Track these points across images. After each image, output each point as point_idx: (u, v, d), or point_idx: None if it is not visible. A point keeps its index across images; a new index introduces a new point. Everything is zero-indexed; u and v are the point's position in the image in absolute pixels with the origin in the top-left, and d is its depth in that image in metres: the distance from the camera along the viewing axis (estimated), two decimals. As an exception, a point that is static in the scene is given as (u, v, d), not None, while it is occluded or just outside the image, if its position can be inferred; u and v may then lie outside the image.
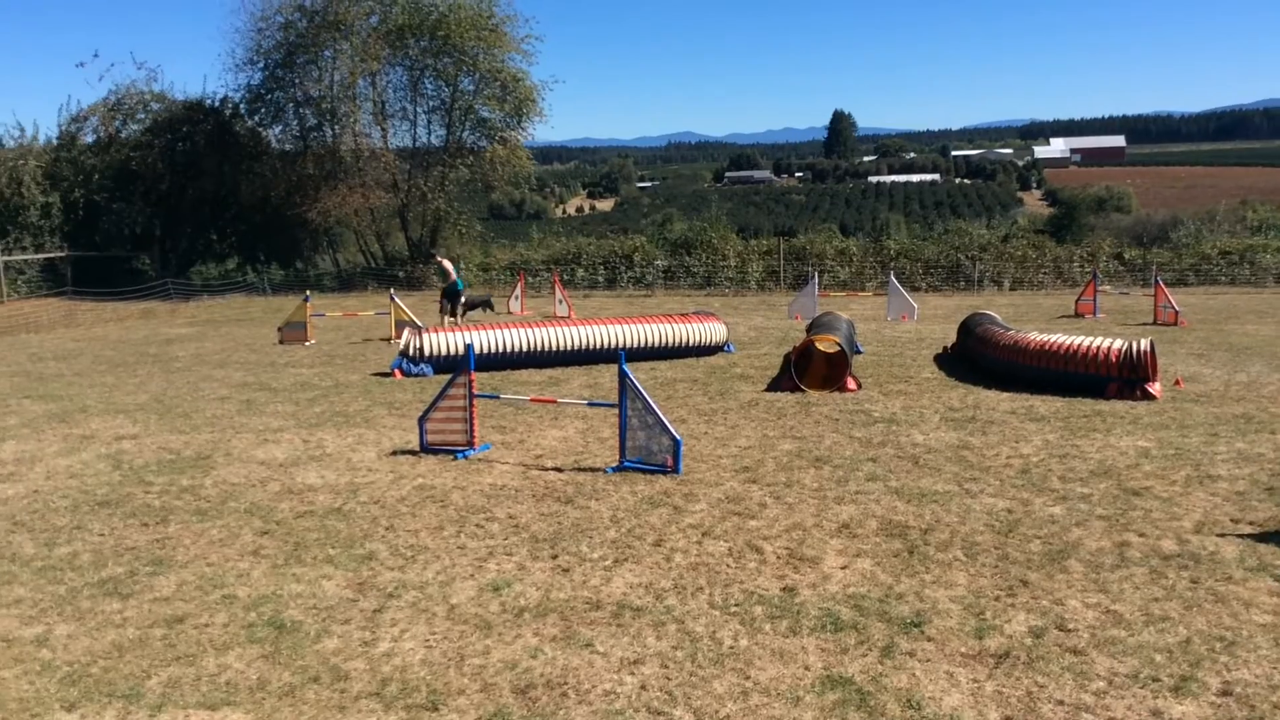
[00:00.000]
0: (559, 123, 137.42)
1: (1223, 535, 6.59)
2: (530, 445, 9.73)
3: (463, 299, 20.83)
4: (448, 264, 20.75)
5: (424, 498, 7.91)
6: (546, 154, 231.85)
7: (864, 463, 8.79)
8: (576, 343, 14.79)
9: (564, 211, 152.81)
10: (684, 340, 15.52)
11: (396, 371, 14.21)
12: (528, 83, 35.63)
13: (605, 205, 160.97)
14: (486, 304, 24.14)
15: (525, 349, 14.53)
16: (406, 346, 14.36)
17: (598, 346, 14.81)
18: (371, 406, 11.98)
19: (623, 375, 8.50)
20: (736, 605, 5.63)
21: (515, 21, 35.62)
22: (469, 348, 9.71)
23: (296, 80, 35.58)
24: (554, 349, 14.68)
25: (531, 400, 10.83)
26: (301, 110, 36.27)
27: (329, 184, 34.85)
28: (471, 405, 9.22)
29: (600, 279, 33.44)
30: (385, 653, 5.14)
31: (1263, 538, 6.53)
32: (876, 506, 7.46)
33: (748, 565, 6.28)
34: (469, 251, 36.53)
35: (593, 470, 8.66)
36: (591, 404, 10.59)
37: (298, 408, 12.02)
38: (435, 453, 9.32)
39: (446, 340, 14.30)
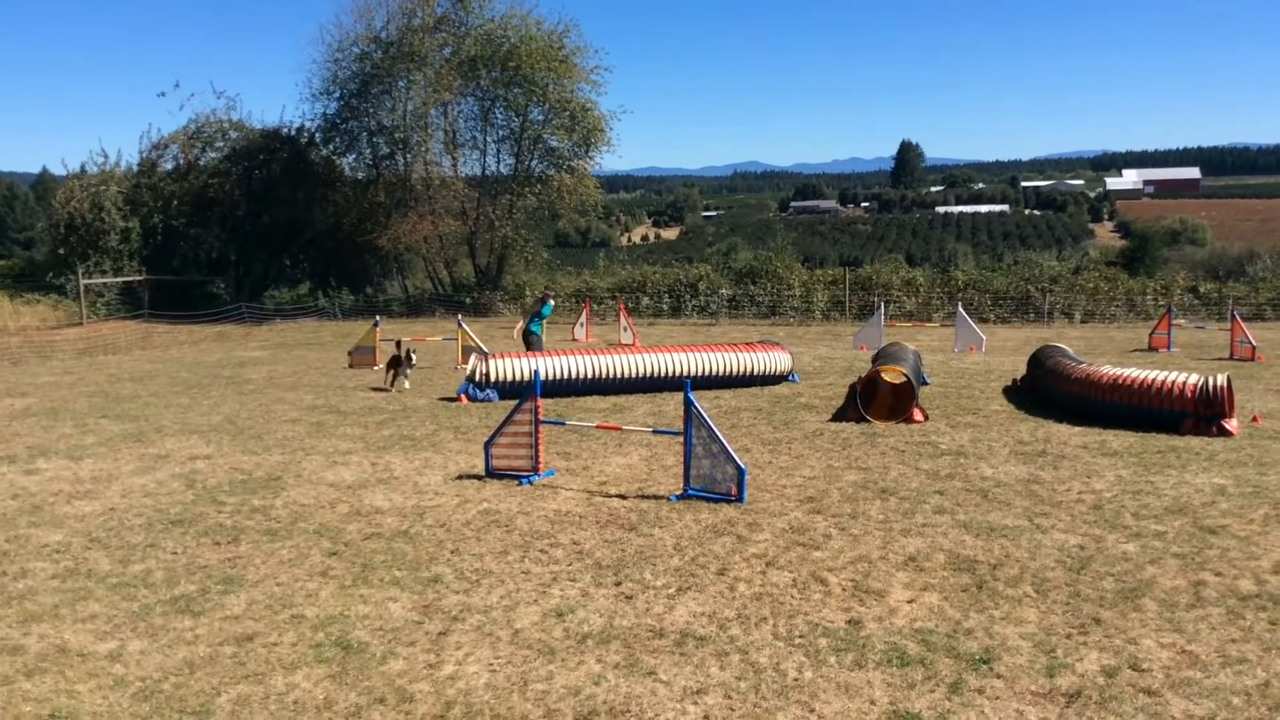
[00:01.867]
0: (626, 152, 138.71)
1: (1304, 577, 6.40)
2: (594, 472, 9.76)
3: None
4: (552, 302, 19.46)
5: (489, 522, 7.97)
6: (613, 183, 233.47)
7: (931, 495, 8.68)
8: (641, 370, 14.84)
9: (629, 240, 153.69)
10: (748, 369, 15.48)
11: (463, 396, 14.36)
12: (596, 113, 35.96)
13: (670, 234, 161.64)
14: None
15: (590, 376, 14.60)
16: (473, 372, 14.51)
17: (662, 374, 14.84)
18: (438, 431, 12.11)
19: (688, 403, 8.51)
20: (801, 637, 5.59)
21: (585, 53, 36.02)
22: (536, 374, 9.78)
23: (370, 110, 36.31)
24: (619, 376, 14.74)
25: (596, 427, 10.87)
26: (375, 139, 36.98)
27: (399, 211, 35.45)
28: (537, 431, 9.28)
29: (665, 307, 33.52)
30: (450, 675, 5.17)
31: (1347, 580, 6.32)
32: (944, 540, 7.36)
33: (812, 596, 6.22)
34: (534, 280, 36.85)
35: (656, 498, 8.66)
36: (656, 431, 10.60)
37: (366, 431, 12.20)
38: (500, 478, 9.39)
39: (512, 366, 14.42)
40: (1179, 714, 4.60)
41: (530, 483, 9.18)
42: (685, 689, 4.96)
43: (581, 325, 25.22)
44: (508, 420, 9.42)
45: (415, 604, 6.20)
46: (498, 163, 37.68)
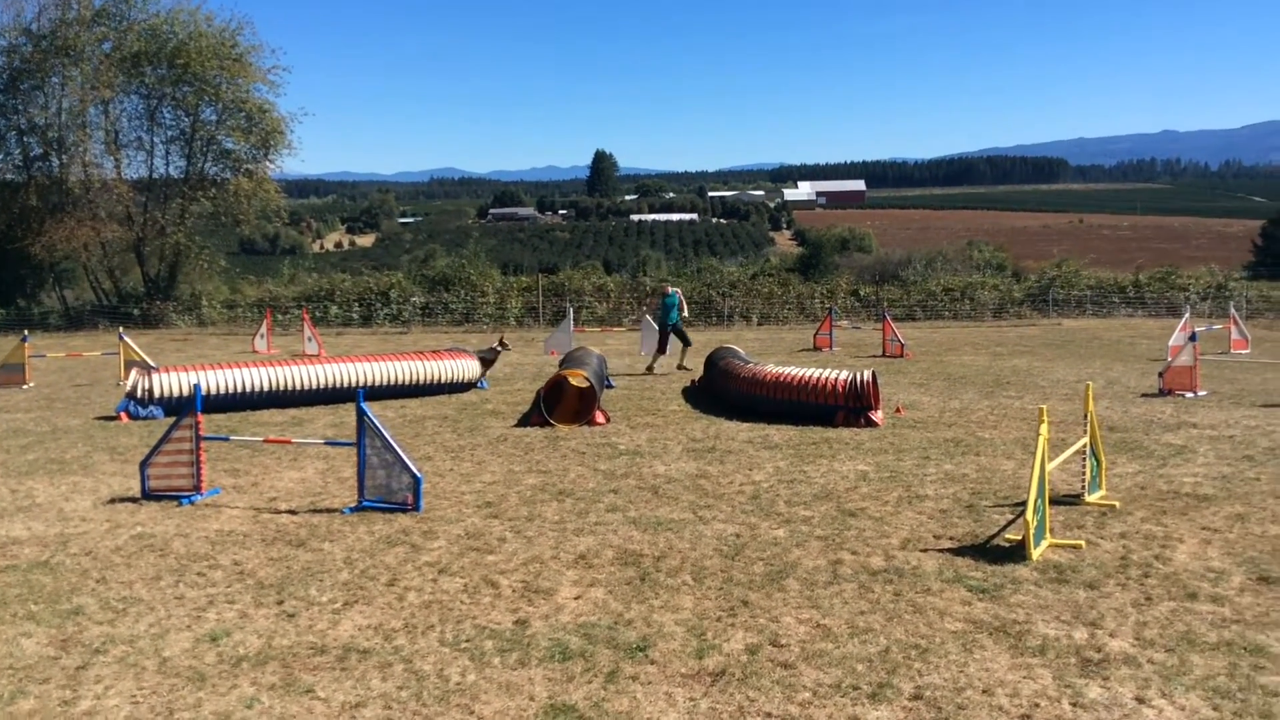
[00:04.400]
0: (314, 155, 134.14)
1: (925, 550, 7.11)
2: (264, 488, 9.36)
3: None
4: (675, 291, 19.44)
5: (142, 547, 7.46)
6: (301, 188, 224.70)
7: (606, 494, 8.96)
8: (322, 381, 14.39)
9: (322, 247, 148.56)
10: (435, 377, 15.36)
11: (123, 415, 13.37)
12: (275, 114, 34.59)
13: (366, 241, 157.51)
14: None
15: (266, 389, 13.99)
16: (134, 388, 13.54)
17: (344, 385, 14.45)
18: (92, 452, 11.21)
19: (361, 413, 8.34)
20: (467, 641, 5.61)
21: (261, 51, 34.57)
22: (196, 388, 9.27)
23: (20, 107, 33.26)
24: (298, 388, 14.22)
25: (266, 441, 10.44)
26: (26, 139, 33.84)
27: (55, 217, 32.57)
28: (199, 448, 8.79)
29: (355, 316, 32.67)
30: (86, 711, 4.81)
31: (960, 551, 7.08)
32: (614, 536, 7.61)
33: (482, 600, 6.26)
34: (215, 289, 34.91)
35: (330, 511, 8.42)
36: (330, 443, 10.31)
37: (7, 455, 11.11)
38: (159, 499, 8.82)
39: (178, 380, 13.57)
40: (810, 683, 4.99)
41: (191, 503, 8.69)
42: (344, 704, 4.85)
43: (262, 336, 24.10)
44: (165, 438, 8.86)
45: (52, 638, 5.71)
46: (167, 165, 35.48)
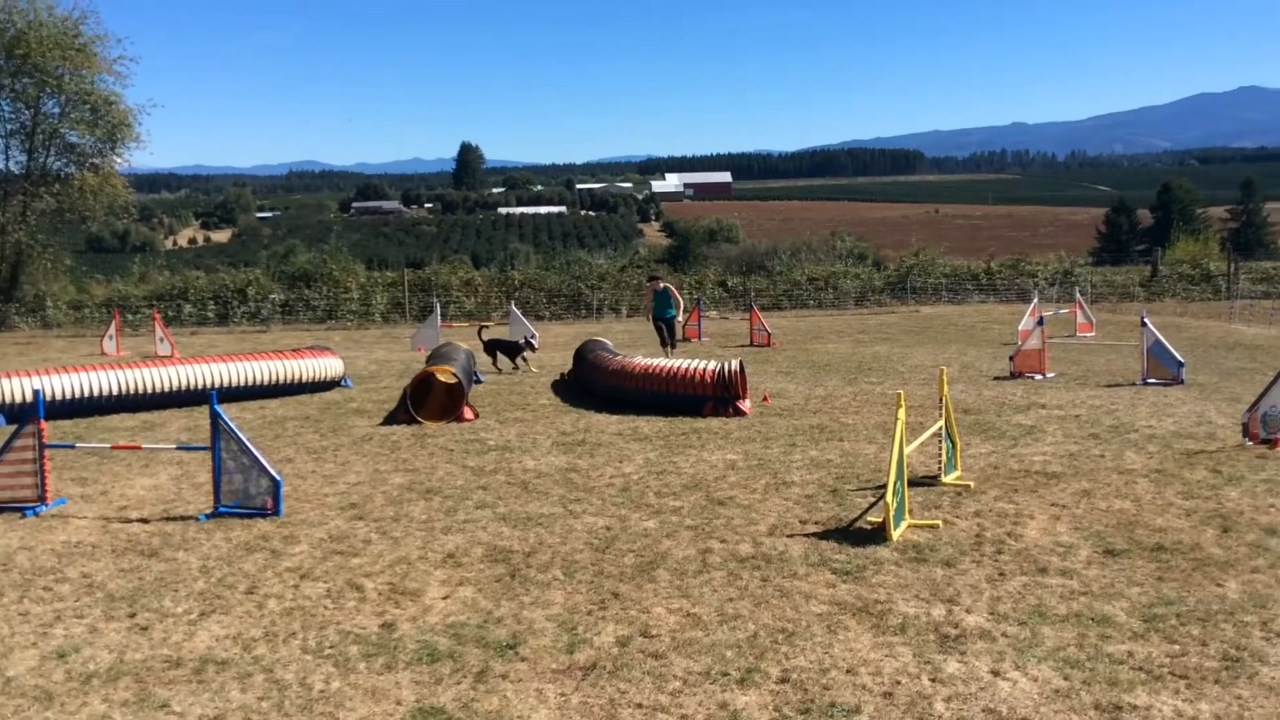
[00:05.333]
0: (165, 149, 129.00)
1: (792, 536, 7.25)
2: (114, 496, 8.95)
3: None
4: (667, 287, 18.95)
5: (-20, 563, 7.05)
6: (152, 182, 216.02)
7: (475, 491, 8.85)
8: (175, 383, 13.83)
9: (175, 243, 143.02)
10: (297, 376, 14.94)
11: (-41, 423, 12.61)
12: (122, 106, 33.01)
13: (221, 237, 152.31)
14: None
15: (115, 392, 13.38)
16: (-29, 395, 12.78)
17: (199, 386, 13.91)
18: (-76, 464, 10.53)
19: (215, 415, 8.05)
20: (331, 648, 5.47)
21: (106, 41, 32.89)
22: (38, 394, 8.80)
23: None
24: (149, 391, 13.63)
25: (115, 447, 9.99)
26: None
27: (-121, 215, 30.52)
28: (42, 456, 8.35)
29: (211, 315, 31.56)
30: (-84, 743, 4.52)
31: (824, 535, 7.24)
32: (483, 534, 7.53)
33: (346, 605, 6.11)
34: (61, 289, 33.24)
35: (184, 519, 8.11)
36: (183, 448, 9.94)
37: None
38: (0, 511, 8.34)
39: (21, 386, 12.86)
40: (680, 672, 5.02)
41: (36, 514, 8.25)
42: (201, 717, 4.68)
43: (111, 338, 23.04)
44: (6, 447, 8.38)
45: (-122, 667, 5.35)
46: (6, 160, 33.53)
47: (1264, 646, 5.14)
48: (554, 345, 22.69)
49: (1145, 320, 15.17)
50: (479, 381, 15.73)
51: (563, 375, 16.40)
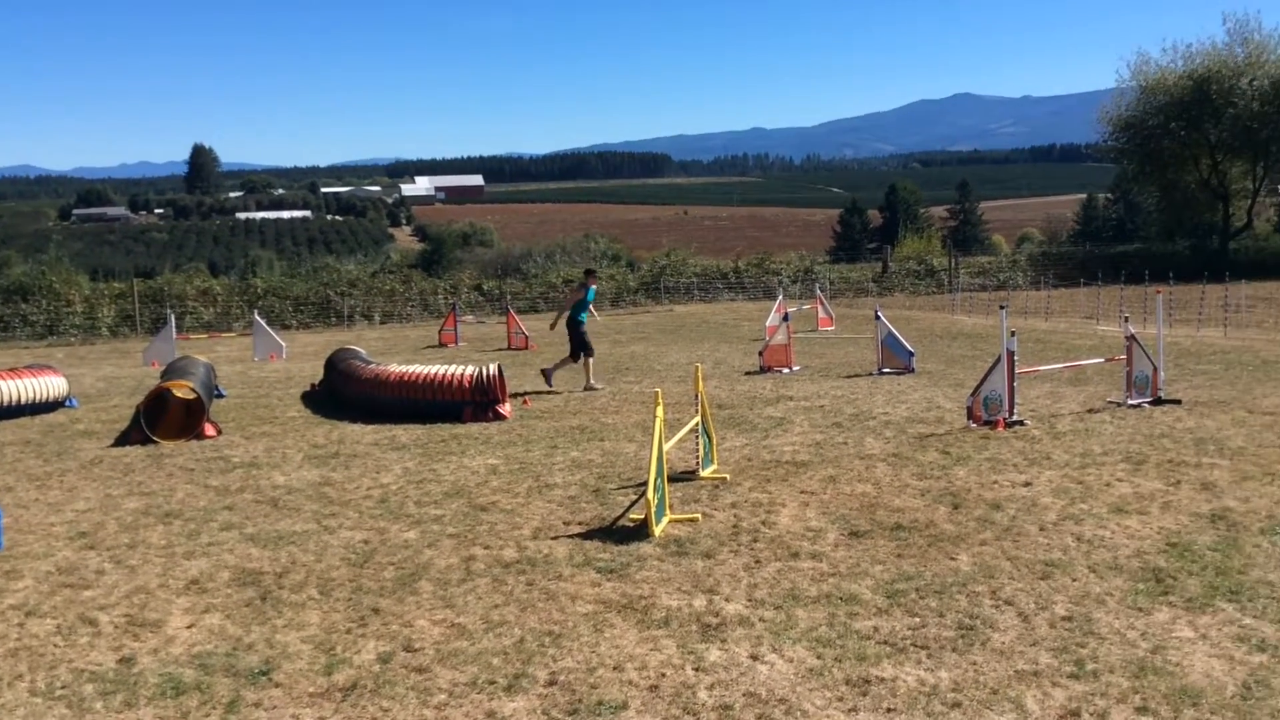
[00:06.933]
0: None
1: (556, 538, 7.23)
2: None
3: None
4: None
5: None
6: None
7: (220, 512, 8.35)
8: None
9: None
10: (15, 398, 13.65)
11: None
12: None
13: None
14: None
15: None
16: None
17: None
18: None
19: (-86, 444, 7.23)
20: (63, 688, 5.01)
21: None
22: None
23: None
24: None
25: None
26: None
27: None
28: None
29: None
30: None
31: (588, 535, 7.27)
32: (230, 556, 7.11)
33: (79, 641, 5.62)
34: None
35: (-120, 561, 7.24)
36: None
37: None
38: None
39: None
40: (446, 684, 4.90)
41: None
42: (-96, 784, 4.18)
43: None
44: None
45: None
46: None
47: (994, 614, 5.54)
48: (302, 355, 21.83)
49: (879, 314, 16.16)
50: (221, 395, 14.92)
51: (313, 386, 15.77)
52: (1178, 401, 11.62)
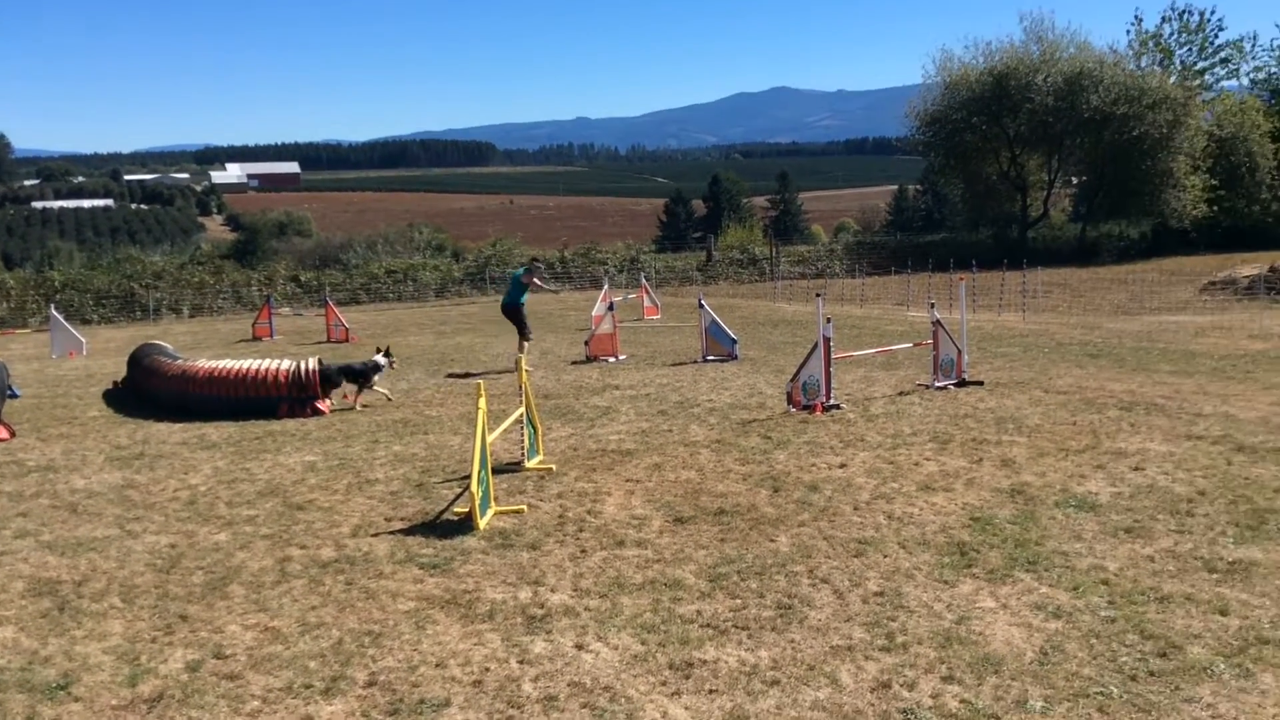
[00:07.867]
0: None
1: (377, 535, 7.06)
2: None
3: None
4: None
5: None
6: None
7: (12, 519, 7.82)
8: None
9: None
10: None
11: None
12: None
13: None
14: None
15: None
16: None
17: None
18: None
19: None
20: None
21: None
22: None
23: None
24: None
25: None
26: None
27: None
28: None
29: None
30: None
31: (411, 531, 7.13)
32: (24, 565, 6.67)
33: None
34: None
35: None
36: None
37: None
38: None
39: None
40: (259, 690, 4.73)
41: None
42: None
43: None
44: None
45: None
46: None
47: (811, 592, 5.71)
48: (104, 352, 20.67)
49: (702, 302, 16.44)
50: (15, 395, 13.95)
51: (115, 384, 14.93)
52: (980, 383, 12.27)
